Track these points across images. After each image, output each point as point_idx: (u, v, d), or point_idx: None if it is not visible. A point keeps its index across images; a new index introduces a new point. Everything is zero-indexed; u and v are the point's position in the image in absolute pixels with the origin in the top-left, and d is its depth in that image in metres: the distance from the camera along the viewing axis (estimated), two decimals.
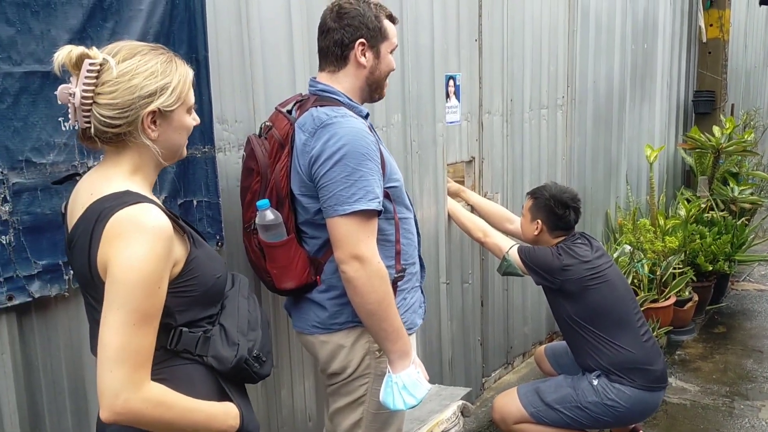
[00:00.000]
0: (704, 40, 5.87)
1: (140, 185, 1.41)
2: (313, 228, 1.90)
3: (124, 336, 1.27)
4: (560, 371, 3.19)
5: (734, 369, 4.05)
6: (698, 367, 4.10)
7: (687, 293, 4.59)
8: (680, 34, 5.74)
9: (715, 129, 5.34)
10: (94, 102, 1.33)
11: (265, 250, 1.91)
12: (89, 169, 1.63)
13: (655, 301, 4.28)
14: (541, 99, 3.92)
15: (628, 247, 4.35)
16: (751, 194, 5.36)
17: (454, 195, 3.36)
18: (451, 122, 3.21)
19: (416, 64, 2.94)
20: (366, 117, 1.99)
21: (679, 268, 4.58)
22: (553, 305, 2.97)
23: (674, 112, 5.82)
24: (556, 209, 2.93)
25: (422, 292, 2.13)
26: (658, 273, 4.35)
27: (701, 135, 5.22)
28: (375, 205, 1.78)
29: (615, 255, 4.43)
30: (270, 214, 1.87)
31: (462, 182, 3.48)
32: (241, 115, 2.17)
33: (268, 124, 1.98)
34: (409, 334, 1.97)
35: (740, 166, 5.64)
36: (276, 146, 1.92)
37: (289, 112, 2.00)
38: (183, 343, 1.42)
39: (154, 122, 1.39)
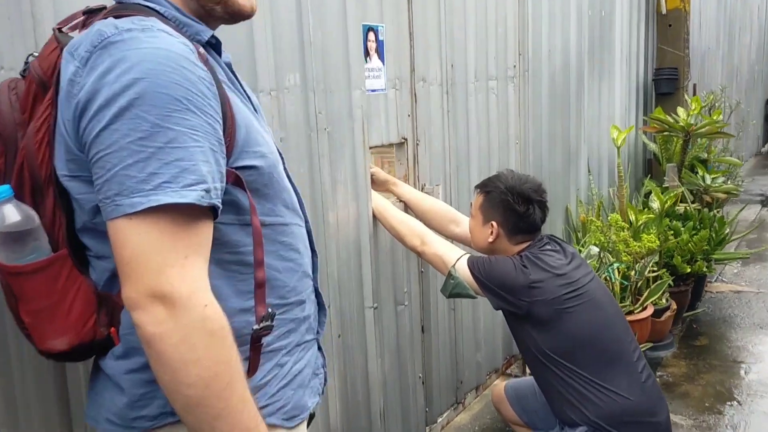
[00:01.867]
0: (664, 12, 5.22)
1: None
2: (99, 240, 1.03)
3: None
4: (527, 419, 2.40)
5: (727, 393, 3.35)
6: (686, 392, 3.38)
7: (664, 300, 3.89)
8: (638, 2, 5.08)
9: (680, 110, 4.68)
10: None
11: (9, 282, 1.03)
12: None
13: (630, 313, 3.55)
14: (488, 68, 3.13)
15: (595, 249, 3.60)
16: (724, 182, 4.72)
17: (382, 188, 2.53)
18: (373, 90, 2.37)
19: (319, 4, 2.09)
20: (216, 47, 1.13)
21: (654, 271, 3.87)
22: (519, 336, 2.17)
23: (634, 92, 5.15)
24: (515, 206, 2.14)
25: (320, 348, 1.28)
26: (633, 278, 3.63)
27: (668, 116, 4.54)
28: (196, 197, 0.92)
29: None
30: (13, 213, 0.99)
31: (393, 172, 2.66)
32: (11, 58, 1.28)
33: (33, 54, 1.11)
34: (293, 427, 1.12)
35: (708, 152, 5.01)
36: (34, 90, 1.04)
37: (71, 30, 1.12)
38: None
39: None
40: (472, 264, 2.14)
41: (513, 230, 2.17)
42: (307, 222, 1.25)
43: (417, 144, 2.64)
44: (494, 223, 2.17)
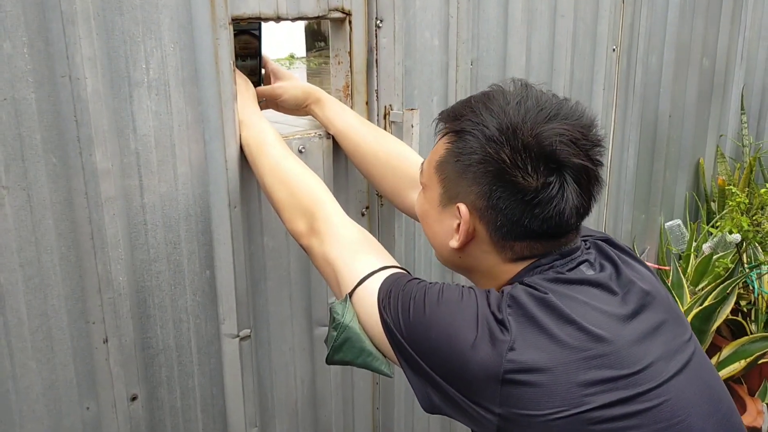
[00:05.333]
0: None
1: None
2: None
3: None
4: None
5: None
6: None
7: None
8: None
9: None
10: None
11: None
12: None
13: None
14: None
15: (734, 237, 2.19)
16: None
17: (300, 110, 1.32)
18: None
19: None
20: None
21: None
22: None
23: None
24: (516, 173, 0.85)
25: None
26: None
27: None
28: None
29: (706, 246, 2.30)
30: None
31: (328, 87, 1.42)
32: None
33: None
34: None
35: None
36: None
37: None
38: None
39: None
40: (387, 298, 0.90)
41: (506, 230, 0.88)
42: None
43: (378, 25, 1.36)
44: (462, 207, 0.89)
